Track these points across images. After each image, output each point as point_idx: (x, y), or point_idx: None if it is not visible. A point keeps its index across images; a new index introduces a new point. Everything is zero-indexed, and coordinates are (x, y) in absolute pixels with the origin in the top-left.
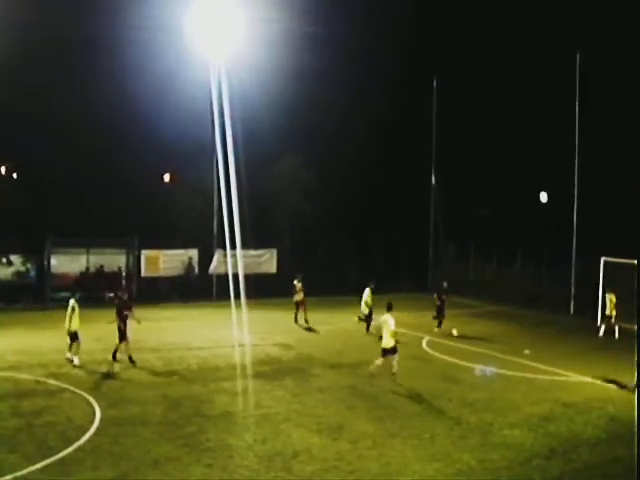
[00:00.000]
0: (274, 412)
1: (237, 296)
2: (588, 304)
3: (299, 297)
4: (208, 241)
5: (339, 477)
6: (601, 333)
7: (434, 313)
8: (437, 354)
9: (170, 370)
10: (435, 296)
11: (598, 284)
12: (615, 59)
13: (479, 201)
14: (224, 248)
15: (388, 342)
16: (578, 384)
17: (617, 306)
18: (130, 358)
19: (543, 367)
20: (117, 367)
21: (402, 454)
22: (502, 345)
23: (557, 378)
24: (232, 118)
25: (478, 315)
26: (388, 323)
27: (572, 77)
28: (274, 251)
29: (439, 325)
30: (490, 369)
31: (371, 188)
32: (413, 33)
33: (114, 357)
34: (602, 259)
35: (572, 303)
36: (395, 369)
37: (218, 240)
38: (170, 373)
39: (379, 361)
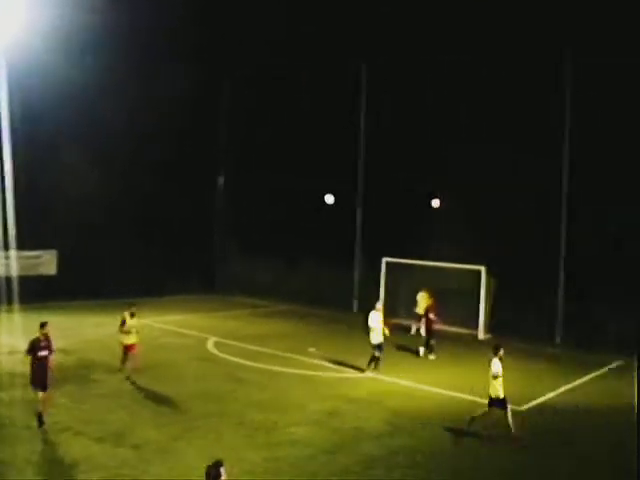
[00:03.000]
0: (53, 421)
1: (12, 300)
2: (371, 303)
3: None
4: None
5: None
6: (414, 331)
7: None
8: (223, 355)
9: None
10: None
11: (379, 283)
12: (393, 68)
13: (267, 201)
14: None
15: (496, 390)
16: (361, 380)
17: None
18: None
19: (328, 364)
20: None
21: (187, 457)
22: (289, 344)
23: (341, 375)
24: (9, 110)
25: (265, 314)
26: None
27: (358, 86)
28: (54, 252)
29: (429, 349)
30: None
31: (159, 186)
32: (205, 31)
33: None
34: (384, 259)
35: (356, 302)
36: (513, 428)
37: None
38: None
39: (482, 412)
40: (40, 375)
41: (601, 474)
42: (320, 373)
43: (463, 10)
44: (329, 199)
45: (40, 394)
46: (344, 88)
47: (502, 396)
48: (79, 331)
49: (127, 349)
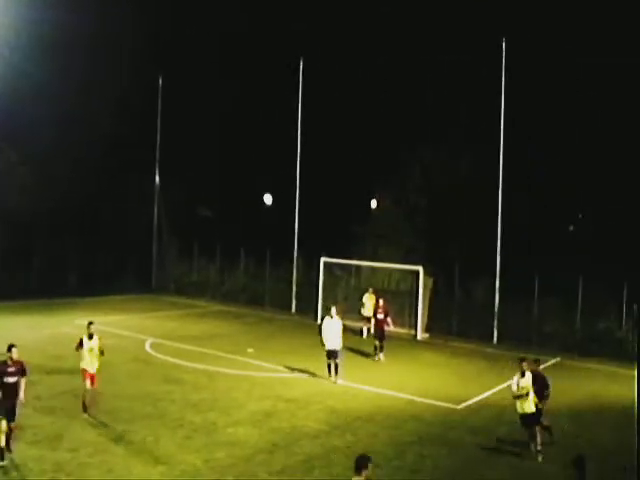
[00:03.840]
0: None
1: None
2: (309, 302)
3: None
4: None
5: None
6: (365, 334)
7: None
8: (161, 356)
9: None
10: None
11: (318, 283)
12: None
13: (204, 201)
14: None
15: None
16: (299, 380)
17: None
18: None
19: (266, 365)
20: None
21: (125, 460)
22: (227, 344)
23: (279, 375)
24: None
25: (202, 315)
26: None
27: (295, 82)
28: None
29: (379, 350)
30: None
31: (94, 186)
32: (143, 30)
33: None
34: (322, 259)
35: (294, 302)
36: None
37: None
38: None
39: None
40: (7, 403)
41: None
42: (258, 373)
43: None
44: (267, 199)
45: (3, 423)
46: (281, 85)
47: (534, 410)
48: (11, 332)
49: (85, 377)
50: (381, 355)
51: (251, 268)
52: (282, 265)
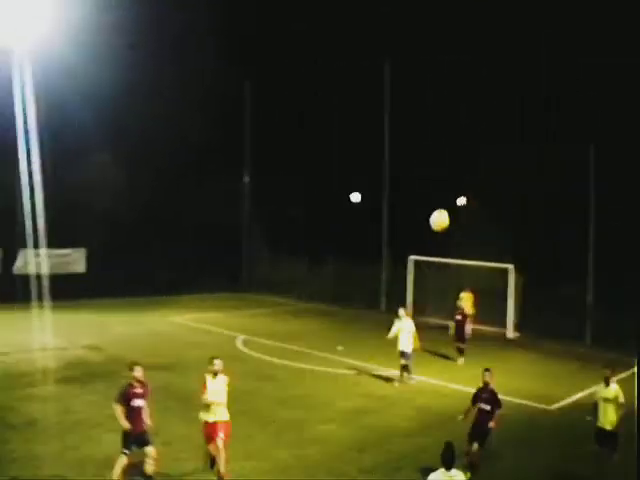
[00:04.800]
0: (84, 417)
1: (42, 297)
2: (398, 301)
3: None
4: (11, 240)
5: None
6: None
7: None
8: (252, 352)
9: None
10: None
11: (407, 281)
12: (417, 66)
13: (292, 200)
14: (29, 247)
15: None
16: (390, 378)
17: (474, 305)
18: None
19: (356, 362)
20: None
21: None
22: (316, 342)
23: (369, 373)
24: (37, 111)
25: (291, 312)
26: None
27: (380, 82)
28: (82, 250)
29: (460, 353)
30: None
31: (186, 186)
32: (229, 31)
33: None
34: (410, 257)
35: (383, 300)
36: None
37: (23, 239)
38: None
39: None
40: (137, 429)
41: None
42: (348, 371)
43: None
44: (355, 197)
45: (124, 459)
46: (368, 86)
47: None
48: (108, 329)
49: (211, 432)
50: (462, 359)
51: (340, 266)
52: (371, 263)
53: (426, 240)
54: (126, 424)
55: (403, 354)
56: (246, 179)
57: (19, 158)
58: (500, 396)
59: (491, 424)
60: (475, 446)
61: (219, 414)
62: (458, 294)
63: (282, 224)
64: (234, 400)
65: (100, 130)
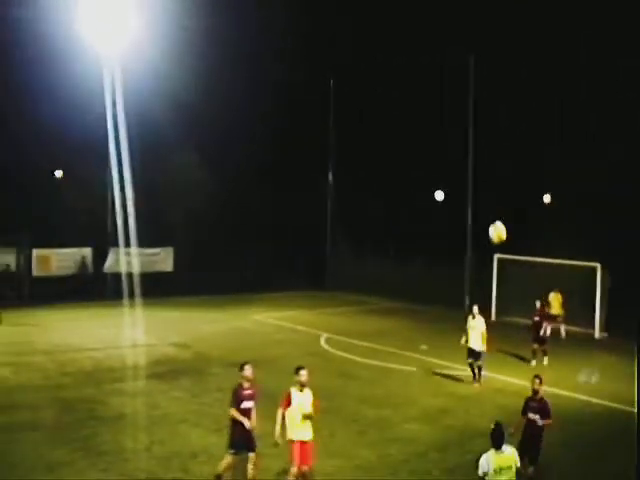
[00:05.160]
0: (171, 412)
1: (132, 295)
2: (483, 300)
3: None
4: (102, 239)
5: (238, 476)
6: (548, 332)
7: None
8: (335, 351)
9: (63, 372)
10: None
11: (492, 280)
12: (506, 61)
13: (376, 198)
14: (119, 246)
15: None
16: (472, 377)
17: (564, 305)
18: None
19: (439, 362)
20: (8, 371)
21: None
22: (399, 341)
23: (452, 372)
24: (126, 113)
25: (374, 311)
26: None
27: (466, 77)
28: (170, 249)
29: (543, 354)
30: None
31: (268, 185)
32: (308, 34)
33: None
34: (495, 256)
35: (467, 299)
36: None
37: (112, 238)
38: (63, 375)
39: None
40: (243, 432)
41: None
42: (432, 370)
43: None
44: (439, 196)
45: (229, 458)
46: (452, 82)
47: None
48: (194, 326)
49: (300, 450)
50: (545, 359)
51: (423, 265)
52: (454, 262)
53: (511, 238)
54: (247, 423)
55: (472, 352)
56: (330, 178)
57: (109, 160)
58: (584, 397)
59: (542, 422)
60: (530, 469)
61: (310, 431)
62: (544, 293)
63: (366, 222)
64: (318, 398)
65: (186, 132)
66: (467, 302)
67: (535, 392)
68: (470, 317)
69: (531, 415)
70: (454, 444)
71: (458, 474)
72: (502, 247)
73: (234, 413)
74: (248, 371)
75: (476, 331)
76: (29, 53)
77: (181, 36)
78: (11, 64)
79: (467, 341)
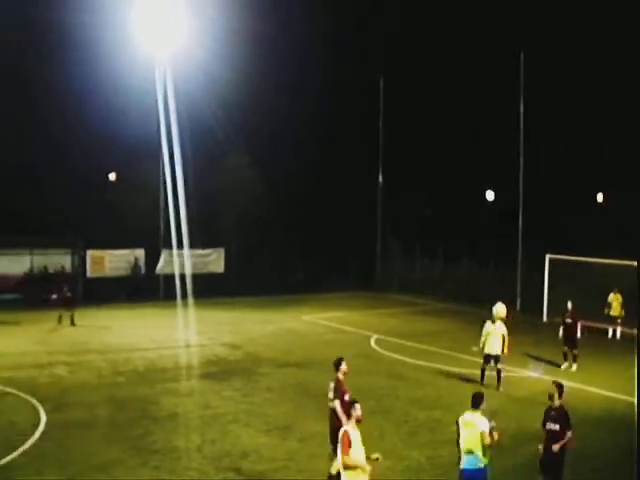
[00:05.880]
0: (222, 412)
1: (184, 296)
2: (534, 301)
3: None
4: (155, 241)
5: (288, 477)
6: (610, 335)
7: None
8: (385, 352)
9: (116, 372)
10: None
11: (544, 281)
12: (558, 58)
13: (426, 199)
14: (171, 247)
15: None
16: (525, 379)
17: (623, 306)
18: None
19: (490, 363)
20: (64, 370)
21: None
22: (449, 342)
23: (504, 374)
24: (178, 117)
25: (425, 312)
26: None
27: (516, 76)
28: (221, 250)
29: (572, 359)
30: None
31: (317, 187)
32: (357, 33)
33: None
34: (547, 256)
35: (518, 300)
36: None
37: (165, 240)
38: (116, 375)
39: None
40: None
41: None
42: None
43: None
44: (489, 196)
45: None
46: (502, 80)
47: None
48: (245, 327)
49: None
50: (574, 365)
51: (473, 265)
52: (505, 262)
53: (564, 238)
54: (345, 419)
55: (489, 358)
56: (380, 178)
57: (162, 162)
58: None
59: (555, 447)
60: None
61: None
62: (597, 294)
63: (416, 223)
64: (368, 399)
65: (237, 134)
66: (518, 303)
67: (554, 400)
68: (489, 322)
69: (551, 425)
70: (506, 447)
71: (510, 477)
72: (555, 246)
73: (337, 405)
74: (345, 366)
75: (494, 336)
76: (83, 56)
77: (231, 38)
78: (66, 68)
79: (483, 347)
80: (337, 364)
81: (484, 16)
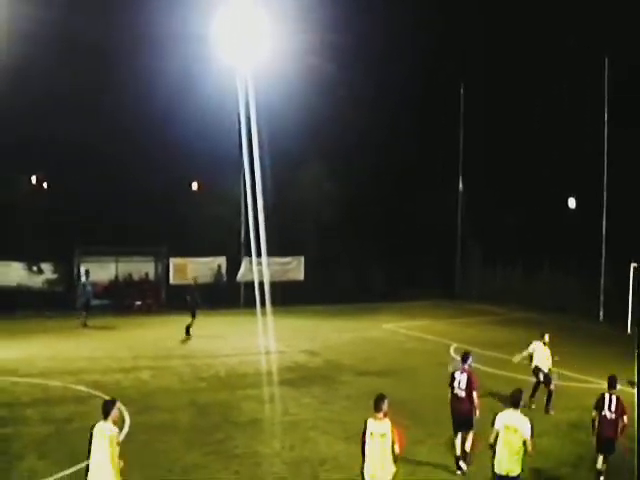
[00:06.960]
0: (301, 419)
1: (264, 303)
2: (618, 311)
3: None
4: (236, 249)
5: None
6: None
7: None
8: None
9: (198, 377)
10: None
11: (628, 290)
12: None
13: (506, 207)
14: (251, 256)
15: None
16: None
17: None
18: None
19: (572, 374)
20: (147, 375)
21: (429, 461)
22: None
23: (586, 385)
24: (258, 127)
25: (505, 322)
26: None
27: (601, 81)
28: (301, 258)
29: None
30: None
31: (395, 195)
32: (438, 39)
33: None
34: (632, 265)
35: (601, 310)
36: None
37: (245, 248)
38: (198, 380)
39: None
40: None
41: None
42: (564, 383)
43: None
44: (571, 203)
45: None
46: (585, 85)
47: None
48: (324, 334)
49: None
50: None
51: (555, 274)
52: (588, 270)
53: None
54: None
55: (540, 373)
56: (460, 186)
57: (243, 171)
58: None
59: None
60: (600, 462)
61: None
62: None
63: (496, 232)
64: (445, 407)
65: (315, 143)
66: (602, 313)
67: (611, 389)
68: (541, 343)
69: (606, 413)
70: (586, 460)
71: None
72: None
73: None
74: (469, 361)
75: (543, 356)
76: (171, 67)
77: (312, 50)
78: (150, 83)
79: (530, 360)
80: (465, 358)
81: (567, 20)
